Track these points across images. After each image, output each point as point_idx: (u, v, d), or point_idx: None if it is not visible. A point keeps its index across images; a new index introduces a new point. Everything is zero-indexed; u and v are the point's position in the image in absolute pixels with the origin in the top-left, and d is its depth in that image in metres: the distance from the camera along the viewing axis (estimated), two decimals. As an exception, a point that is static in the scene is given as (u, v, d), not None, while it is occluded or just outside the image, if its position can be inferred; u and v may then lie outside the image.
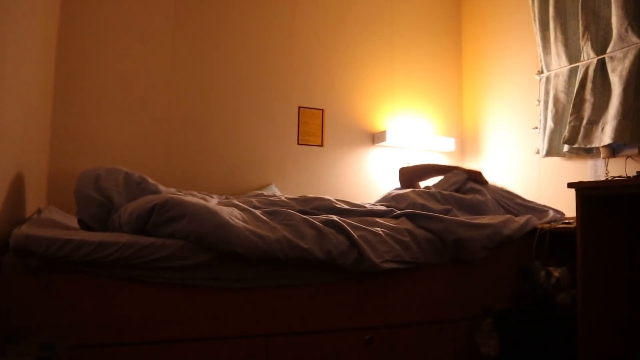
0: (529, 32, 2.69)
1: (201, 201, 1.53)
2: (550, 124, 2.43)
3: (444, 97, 3.27)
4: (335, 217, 1.66)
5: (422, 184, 2.52)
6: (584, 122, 2.19)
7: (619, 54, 2.07)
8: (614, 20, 2.07)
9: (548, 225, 1.96)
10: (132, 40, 2.49)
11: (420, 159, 3.10)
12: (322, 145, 2.86)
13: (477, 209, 2.06)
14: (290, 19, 2.86)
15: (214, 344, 1.47)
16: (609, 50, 2.14)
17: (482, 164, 3.08)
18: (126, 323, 1.38)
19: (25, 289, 1.30)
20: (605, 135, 2.07)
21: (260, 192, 2.40)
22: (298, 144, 2.82)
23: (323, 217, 1.68)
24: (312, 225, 1.57)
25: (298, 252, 1.49)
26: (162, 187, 1.77)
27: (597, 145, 2.13)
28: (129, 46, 2.48)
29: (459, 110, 3.31)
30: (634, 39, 1.99)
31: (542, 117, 2.51)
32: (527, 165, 2.70)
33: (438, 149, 3.16)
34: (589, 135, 2.17)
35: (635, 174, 1.76)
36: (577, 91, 2.26)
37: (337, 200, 1.92)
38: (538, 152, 2.54)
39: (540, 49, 2.54)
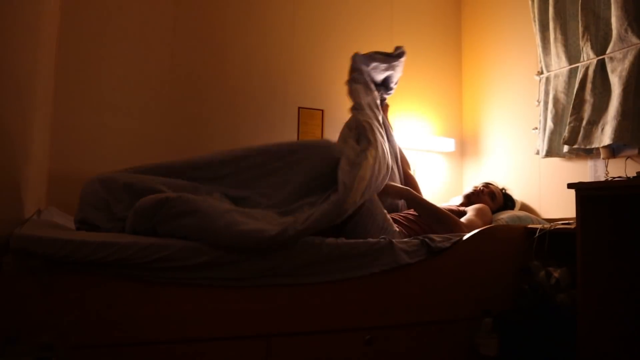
0: (528, 33, 2.70)
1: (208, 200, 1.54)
2: (550, 124, 2.43)
3: (444, 98, 3.27)
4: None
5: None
6: (584, 122, 2.19)
7: (618, 55, 2.08)
8: (614, 20, 2.07)
9: (548, 226, 1.96)
10: (132, 40, 2.49)
11: (422, 159, 3.10)
12: (321, 146, 2.86)
13: None
14: (290, 19, 2.87)
15: (214, 344, 1.47)
16: (608, 50, 2.14)
17: (482, 164, 3.08)
18: (126, 323, 1.38)
19: (25, 290, 1.30)
20: (605, 135, 2.07)
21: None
22: (298, 144, 2.82)
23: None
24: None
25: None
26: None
27: (597, 146, 2.14)
28: (129, 46, 2.48)
29: (459, 110, 3.32)
30: (634, 39, 2.00)
31: (541, 118, 2.51)
32: (527, 166, 2.70)
33: (438, 150, 3.16)
34: (588, 135, 2.17)
35: (635, 174, 1.76)
36: (576, 92, 2.26)
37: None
38: (538, 153, 2.54)
39: (540, 50, 2.54)
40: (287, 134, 2.80)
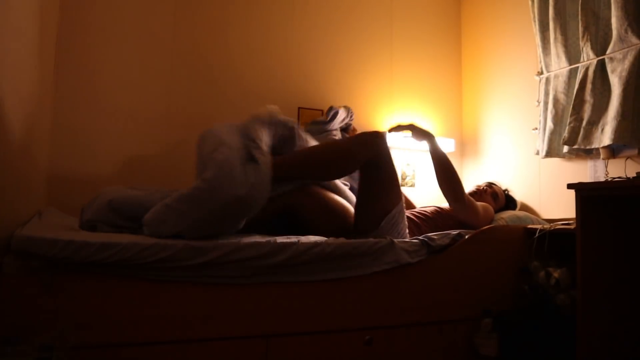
0: (528, 33, 2.70)
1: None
2: (550, 124, 2.43)
3: (444, 98, 3.27)
4: None
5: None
6: (584, 123, 2.20)
7: (618, 55, 2.08)
8: (614, 21, 2.08)
9: (548, 226, 1.96)
10: (132, 40, 2.49)
11: (421, 159, 3.10)
12: (322, 146, 2.86)
13: None
14: (290, 20, 2.87)
15: (214, 344, 1.47)
16: (608, 51, 2.14)
17: (481, 164, 3.08)
18: (126, 324, 1.39)
19: (26, 290, 1.31)
20: (605, 136, 2.08)
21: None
22: (298, 144, 2.82)
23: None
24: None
25: None
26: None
27: (596, 146, 2.14)
28: (129, 46, 2.48)
29: (459, 111, 3.32)
30: (634, 39, 2.00)
31: (541, 118, 2.51)
32: (527, 166, 2.70)
33: (438, 150, 3.16)
34: (588, 136, 2.17)
35: (635, 174, 1.76)
36: (576, 92, 2.26)
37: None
38: (538, 153, 2.54)
39: (540, 50, 2.54)
40: (287, 134, 2.80)
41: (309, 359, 1.57)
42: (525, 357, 1.76)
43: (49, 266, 1.32)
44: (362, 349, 1.64)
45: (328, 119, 2.57)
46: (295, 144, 1.88)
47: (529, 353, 1.76)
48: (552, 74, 2.47)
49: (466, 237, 1.90)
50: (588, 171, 2.33)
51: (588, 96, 2.20)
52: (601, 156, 2.20)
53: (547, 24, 2.48)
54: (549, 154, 2.44)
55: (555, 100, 2.42)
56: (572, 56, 2.37)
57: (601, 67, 2.17)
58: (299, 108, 2.84)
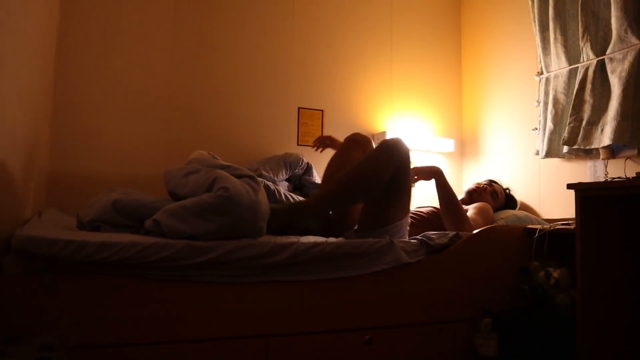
0: (528, 33, 2.70)
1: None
2: (549, 125, 2.43)
3: (444, 98, 3.28)
4: None
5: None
6: (584, 123, 2.20)
7: (618, 55, 2.08)
8: (614, 21, 2.08)
9: (548, 226, 1.96)
10: (132, 40, 2.49)
11: (421, 159, 3.10)
12: (321, 146, 2.86)
13: None
14: (290, 20, 2.87)
15: (214, 344, 1.47)
16: (608, 51, 2.14)
17: (481, 165, 3.08)
18: (126, 323, 1.38)
19: (26, 290, 1.30)
20: (604, 136, 2.08)
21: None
22: (298, 144, 2.82)
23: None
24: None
25: None
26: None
27: (596, 147, 2.14)
28: (129, 46, 2.48)
29: (459, 111, 3.32)
30: (634, 40, 2.00)
31: (541, 118, 2.52)
32: (527, 167, 2.70)
33: (438, 150, 3.16)
34: (588, 136, 2.17)
35: (634, 175, 1.76)
36: (576, 92, 2.26)
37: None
38: (537, 153, 2.54)
39: (539, 50, 2.54)
40: (287, 134, 2.80)
41: (308, 359, 1.57)
42: (525, 357, 1.76)
43: (49, 266, 1.32)
44: (362, 349, 1.64)
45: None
46: None
47: (529, 353, 1.76)
48: (552, 74, 2.47)
49: (466, 237, 1.90)
50: (588, 171, 2.33)
51: (588, 96, 2.20)
52: (601, 156, 2.20)
53: (547, 24, 2.48)
54: (549, 154, 2.44)
55: (555, 101, 2.42)
56: (572, 56, 2.37)
57: (601, 68, 2.18)
58: (298, 108, 2.85)
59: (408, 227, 1.93)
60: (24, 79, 1.62)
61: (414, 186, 2.17)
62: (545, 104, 2.49)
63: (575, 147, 2.24)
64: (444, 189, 2.15)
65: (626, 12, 2.01)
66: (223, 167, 1.64)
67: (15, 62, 1.45)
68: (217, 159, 1.84)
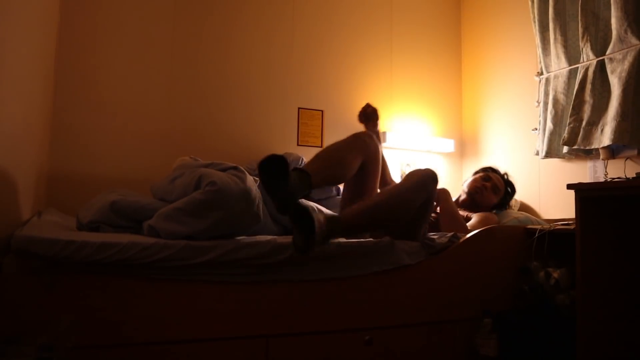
0: (528, 34, 2.70)
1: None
2: (549, 125, 2.43)
3: (444, 99, 3.28)
4: None
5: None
6: (584, 123, 2.20)
7: (618, 56, 2.08)
8: (614, 21, 2.08)
9: (548, 226, 1.97)
10: (132, 40, 2.49)
11: (422, 159, 3.10)
12: (321, 146, 2.86)
13: None
14: (290, 20, 2.87)
15: (214, 344, 1.47)
16: (608, 51, 2.14)
17: (481, 165, 3.08)
18: (126, 324, 1.38)
19: (26, 290, 1.30)
20: (604, 136, 2.08)
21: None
22: (298, 144, 2.82)
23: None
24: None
25: None
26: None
27: (596, 147, 2.14)
28: (129, 46, 2.48)
29: (459, 111, 3.32)
30: (634, 40, 2.00)
31: (541, 119, 2.52)
32: (527, 167, 2.70)
33: (437, 151, 3.16)
34: (588, 136, 2.17)
35: (634, 175, 1.76)
36: (576, 92, 2.27)
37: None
38: (537, 154, 2.54)
39: (539, 51, 2.54)
40: (287, 134, 2.80)
41: (309, 359, 1.57)
42: (525, 357, 1.77)
43: (49, 266, 1.32)
44: (362, 349, 1.64)
45: None
46: None
47: (529, 353, 1.77)
48: (551, 75, 2.47)
49: (466, 237, 1.90)
50: (588, 171, 2.33)
51: (588, 97, 2.20)
52: (601, 157, 2.20)
53: (547, 24, 2.48)
54: (549, 154, 2.44)
55: (555, 101, 2.42)
56: (572, 57, 2.37)
57: (601, 68, 2.18)
58: (298, 108, 2.85)
59: None
60: (24, 79, 1.62)
61: (434, 216, 2.19)
62: (545, 104, 2.49)
63: (575, 147, 2.24)
64: (449, 208, 2.17)
65: (626, 13, 2.01)
66: (206, 166, 1.66)
67: (15, 62, 1.45)
68: (199, 160, 1.85)
